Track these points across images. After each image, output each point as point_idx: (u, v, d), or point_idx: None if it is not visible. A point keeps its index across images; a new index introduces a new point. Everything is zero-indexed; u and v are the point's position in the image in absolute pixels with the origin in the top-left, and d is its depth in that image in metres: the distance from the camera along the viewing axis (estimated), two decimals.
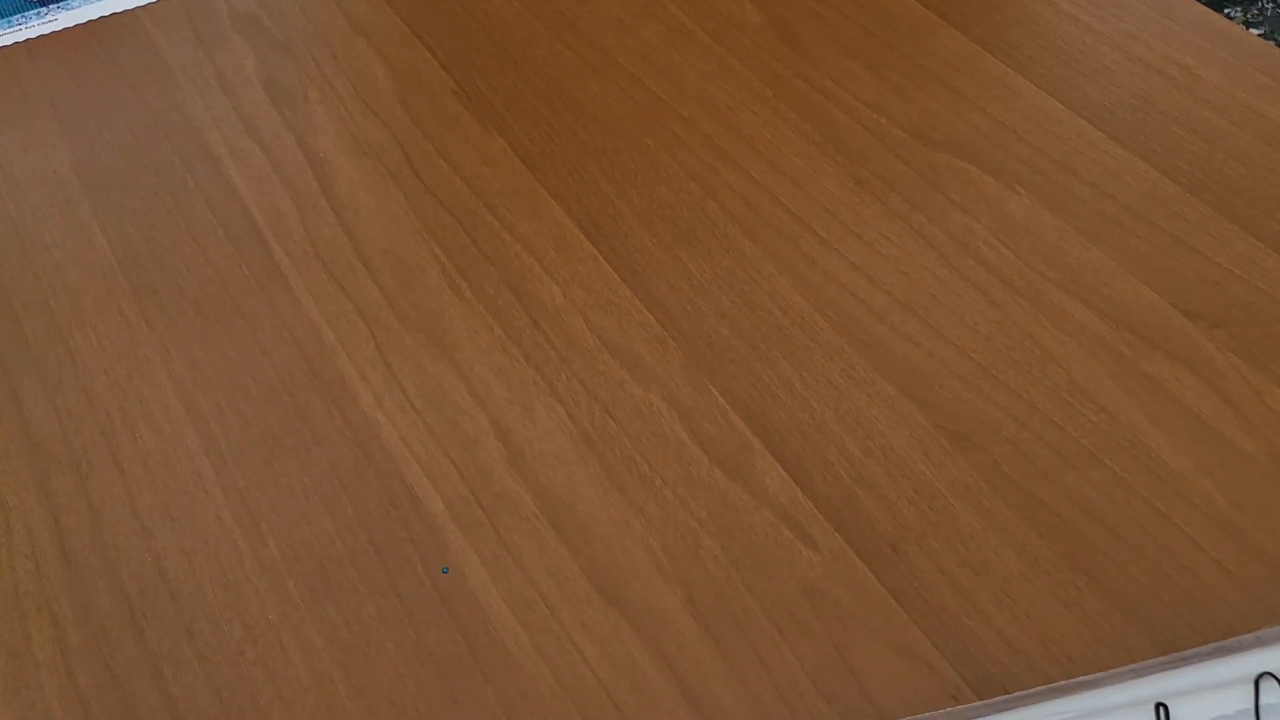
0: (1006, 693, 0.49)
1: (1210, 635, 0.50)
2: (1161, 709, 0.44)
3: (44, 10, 0.87)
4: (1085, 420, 0.58)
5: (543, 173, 0.73)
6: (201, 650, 0.52)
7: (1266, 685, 0.44)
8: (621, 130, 0.75)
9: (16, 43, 0.85)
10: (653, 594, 0.53)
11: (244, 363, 0.64)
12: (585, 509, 0.56)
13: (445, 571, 0.54)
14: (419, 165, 0.74)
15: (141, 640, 0.53)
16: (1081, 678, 0.47)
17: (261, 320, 0.66)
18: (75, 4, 0.88)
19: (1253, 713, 0.44)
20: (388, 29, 0.84)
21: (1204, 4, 0.81)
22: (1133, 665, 0.47)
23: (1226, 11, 2.01)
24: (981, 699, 0.49)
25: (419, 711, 0.50)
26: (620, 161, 0.73)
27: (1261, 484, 0.55)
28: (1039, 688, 0.47)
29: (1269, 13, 2.04)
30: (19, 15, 0.87)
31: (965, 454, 0.57)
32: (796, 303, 0.64)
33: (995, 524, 0.54)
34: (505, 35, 0.83)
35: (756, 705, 0.49)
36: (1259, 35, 0.93)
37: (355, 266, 0.68)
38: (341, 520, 0.56)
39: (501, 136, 0.75)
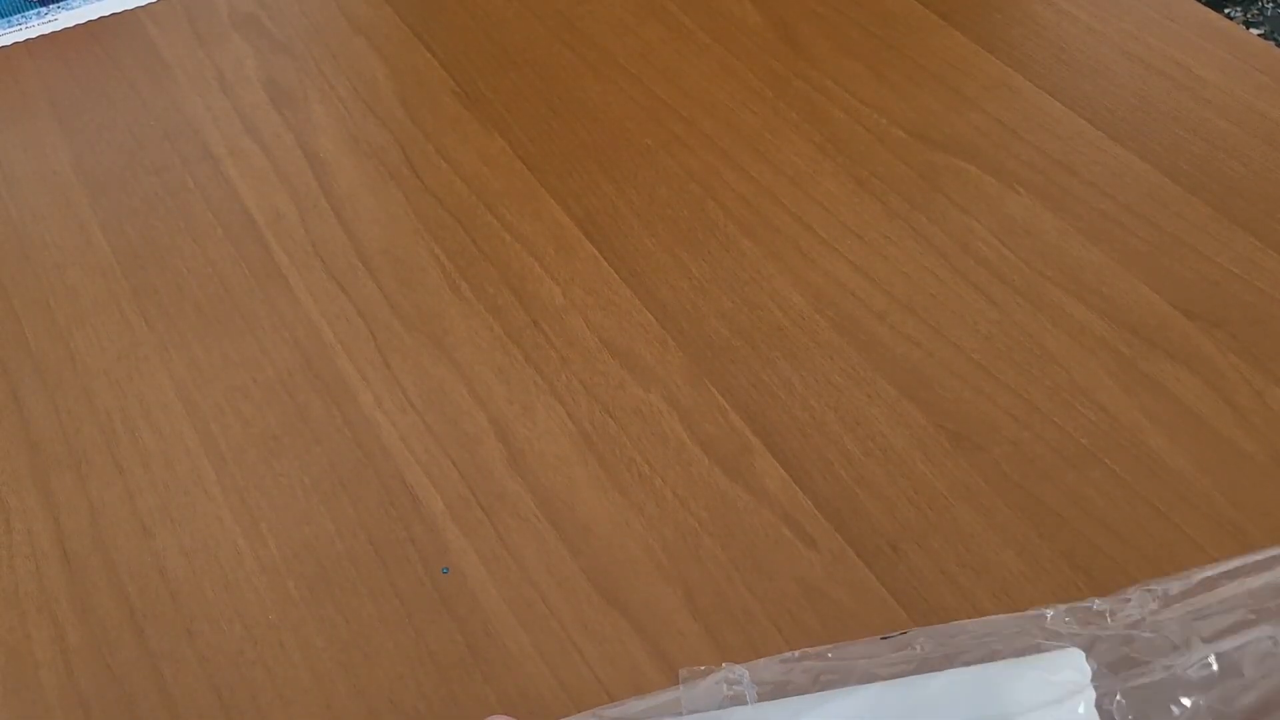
0: None
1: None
2: None
3: (44, 10, 0.87)
4: (1085, 420, 0.58)
5: (543, 173, 0.73)
6: (201, 650, 0.52)
7: None
8: (621, 130, 0.75)
9: (16, 43, 0.85)
10: (653, 594, 0.53)
11: (244, 363, 0.64)
12: (585, 509, 0.56)
13: (445, 571, 0.54)
14: (419, 165, 0.74)
15: (141, 640, 0.53)
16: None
17: (261, 320, 0.66)
18: (75, 4, 0.87)
19: None
20: (388, 29, 0.84)
21: (1204, 4, 0.81)
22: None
23: (1226, 11, 2.01)
24: None
25: (419, 711, 0.50)
26: (620, 161, 0.73)
27: (1261, 484, 0.55)
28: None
29: (1269, 13, 2.04)
30: (19, 15, 0.87)
31: (965, 454, 0.57)
32: (796, 303, 0.64)
33: (995, 524, 0.54)
34: (505, 35, 0.83)
35: None
36: (1259, 35, 0.93)
37: (355, 266, 0.68)
38: (341, 520, 0.56)
39: (501, 136, 0.75)
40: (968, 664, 0.44)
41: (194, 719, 0.50)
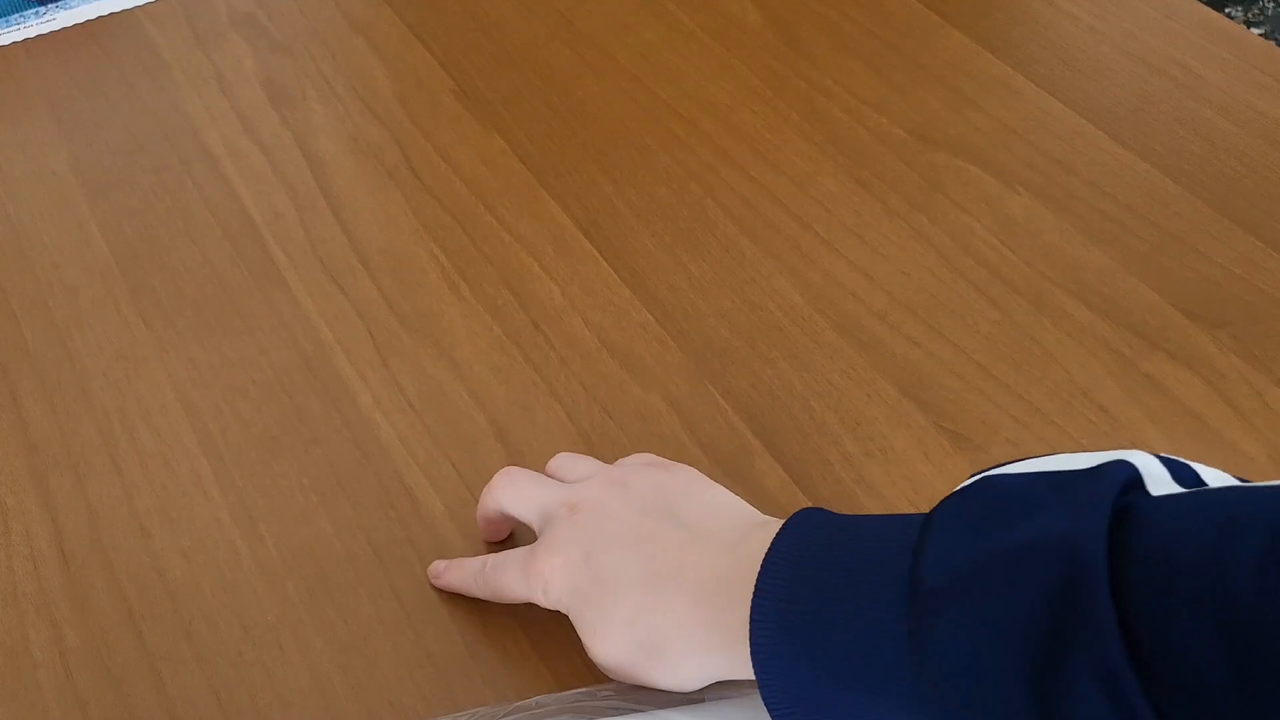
0: None
1: None
2: None
3: (43, 10, 0.87)
4: (1085, 420, 0.58)
5: (542, 173, 0.73)
6: (200, 651, 0.52)
7: None
8: (621, 130, 0.75)
9: (15, 42, 0.85)
10: None
11: (242, 363, 0.63)
12: None
13: None
14: (418, 165, 0.74)
15: (140, 641, 0.53)
16: None
17: (260, 320, 0.65)
18: (74, 4, 0.87)
19: None
20: (387, 29, 0.84)
21: (1204, 4, 0.81)
22: None
23: (1227, 11, 2.01)
24: None
25: (419, 712, 0.50)
26: (620, 161, 0.73)
27: None
28: None
29: (1269, 12, 2.04)
30: (18, 15, 0.87)
31: (965, 454, 0.57)
32: (796, 303, 0.64)
33: None
34: (505, 35, 0.83)
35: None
36: (1259, 35, 0.93)
37: (354, 266, 0.68)
38: (340, 520, 0.56)
39: (501, 136, 0.75)
40: None
41: None
